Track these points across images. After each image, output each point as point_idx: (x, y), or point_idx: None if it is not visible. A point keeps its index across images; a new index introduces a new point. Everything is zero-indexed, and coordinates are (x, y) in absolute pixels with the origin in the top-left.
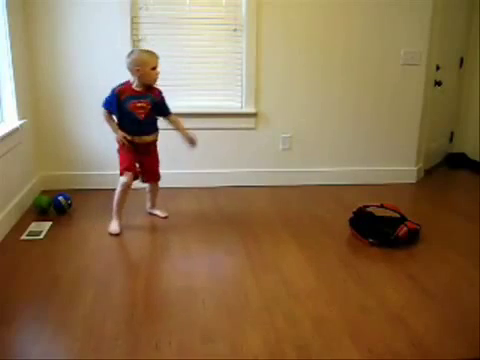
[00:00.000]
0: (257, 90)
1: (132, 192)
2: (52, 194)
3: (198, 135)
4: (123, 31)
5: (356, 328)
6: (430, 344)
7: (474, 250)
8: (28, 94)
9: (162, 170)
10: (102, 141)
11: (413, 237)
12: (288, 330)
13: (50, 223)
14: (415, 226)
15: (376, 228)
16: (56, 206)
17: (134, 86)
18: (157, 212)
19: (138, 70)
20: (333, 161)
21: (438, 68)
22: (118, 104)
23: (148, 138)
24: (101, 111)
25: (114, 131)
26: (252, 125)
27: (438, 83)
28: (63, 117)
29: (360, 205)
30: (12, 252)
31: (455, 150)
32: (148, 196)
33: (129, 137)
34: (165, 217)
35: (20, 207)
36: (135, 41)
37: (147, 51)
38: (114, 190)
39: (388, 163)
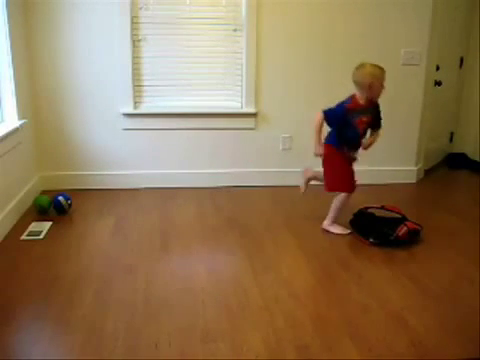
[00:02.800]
0: (257, 90)
1: (127, 192)
2: (52, 194)
3: (198, 135)
4: (123, 31)
5: (356, 328)
6: (430, 344)
7: (474, 250)
8: (28, 94)
9: (163, 170)
10: (102, 141)
11: (414, 237)
12: (288, 330)
13: (50, 223)
14: (416, 226)
15: (376, 228)
16: (56, 206)
17: (360, 100)
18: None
19: (370, 84)
20: None
21: (438, 68)
22: (344, 119)
23: (357, 153)
24: (318, 116)
25: (316, 143)
26: (252, 125)
27: (438, 83)
28: (63, 117)
29: (360, 205)
30: (12, 252)
31: (455, 150)
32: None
33: (345, 151)
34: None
35: (20, 207)
36: (135, 41)
37: (378, 66)
38: (114, 190)
39: (388, 163)
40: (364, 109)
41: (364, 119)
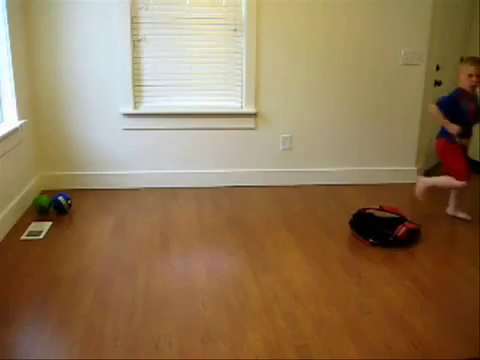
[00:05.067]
0: (257, 90)
1: (127, 192)
2: (52, 194)
3: (198, 135)
4: (123, 31)
5: (356, 328)
6: (430, 344)
7: (474, 250)
8: (28, 94)
9: (163, 170)
10: (102, 141)
11: (413, 237)
12: (288, 330)
13: (50, 223)
14: (415, 226)
15: (376, 228)
16: (56, 206)
17: (466, 88)
18: (461, 215)
19: (459, 75)
20: (333, 161)
21: (438, 68)
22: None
23: (469, 141)
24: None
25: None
26: (252, 125)
27: (438, 83)
28: (63, 117)
29: (360, 206)
30: (12, 252)
31: None
32: (454, 197)
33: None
34: (469, 220)
35: (20, 207)
36: (135, 41)
37: (471, 58)
38: (114, 190)
39: (388, 163)
40: (471, 97)
41: (473, 106)
